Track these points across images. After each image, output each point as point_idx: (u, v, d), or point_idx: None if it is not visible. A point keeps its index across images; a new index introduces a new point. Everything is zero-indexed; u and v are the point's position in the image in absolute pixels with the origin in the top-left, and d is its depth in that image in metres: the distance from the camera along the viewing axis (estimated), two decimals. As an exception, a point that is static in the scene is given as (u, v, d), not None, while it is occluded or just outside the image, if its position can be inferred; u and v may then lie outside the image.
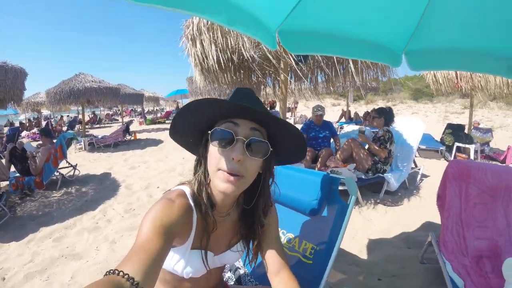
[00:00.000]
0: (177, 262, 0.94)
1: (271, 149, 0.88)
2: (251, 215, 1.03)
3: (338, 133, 5.72)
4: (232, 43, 3.34)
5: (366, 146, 4.46)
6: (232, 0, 1.14)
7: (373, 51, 1.66)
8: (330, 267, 1.53)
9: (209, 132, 0.87)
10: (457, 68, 2.62)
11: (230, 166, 0.82)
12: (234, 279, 1.59)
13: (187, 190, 0.94)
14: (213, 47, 3.45)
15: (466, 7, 1.33)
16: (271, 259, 1.04)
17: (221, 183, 0.83)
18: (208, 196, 0.92)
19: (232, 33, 3.31)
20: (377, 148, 4.27)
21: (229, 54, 3.79)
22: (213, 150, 0.85)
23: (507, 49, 1.45)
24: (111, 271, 0.61)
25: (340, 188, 1.78)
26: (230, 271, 1.64)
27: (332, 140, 5.26)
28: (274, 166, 1.01)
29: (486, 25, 1.40)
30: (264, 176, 0.96)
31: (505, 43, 1.43)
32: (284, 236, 1.85)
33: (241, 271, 1.64)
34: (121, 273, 0.60)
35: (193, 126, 0.93)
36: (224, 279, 1.48)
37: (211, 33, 3.40)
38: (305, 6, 1.36)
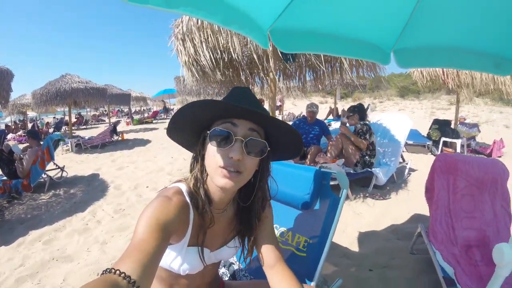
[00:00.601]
0: (173, 259, 0.94)
1: (268, 148, 0.90)
2: (247, 211, 1.04)
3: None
4: (222, 42, 3.34)
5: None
6: (226, 0, 1.15)
7: (363, 49, 1.68)
8: (324, 259, 1.55)
9: (208, 132, 0.88)
10: (445, 66, 2.66)
11: (229, 163, 0.83)
12: (228, 275, 1.60)
13: (183, 187, 0.95)
14: (204, 46, 3.44)
15: (454, 6, 1.36)
16: (267, 252, 1.05)
17: (220, 179, 0.84)
18: (205, 192, 0.93)
19: (222, 32, 3.30)
20: (358, 139, 4.36)
21: (219, 53, 3.78)
22: (212, 149, 0.86)
23: (494, 46, 1.49)
24: (108, 270, 0.62)
25: (331, 183, 1.80)
26: (224, 267, 1.65)
27: (322, 138, 5.31)
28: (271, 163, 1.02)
29: (473, 24, 1.43)
30: (261, 172, 0.98)
31: (492, 41, 1.47)
32: (277, 230, 1.86)
33: (235, 267, 1.65)
34: (117, 272, 0.60)
35: (192, 124, 0.93)
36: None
37: (201, 32, 3.38)
38: (296, 6, 1.38)
